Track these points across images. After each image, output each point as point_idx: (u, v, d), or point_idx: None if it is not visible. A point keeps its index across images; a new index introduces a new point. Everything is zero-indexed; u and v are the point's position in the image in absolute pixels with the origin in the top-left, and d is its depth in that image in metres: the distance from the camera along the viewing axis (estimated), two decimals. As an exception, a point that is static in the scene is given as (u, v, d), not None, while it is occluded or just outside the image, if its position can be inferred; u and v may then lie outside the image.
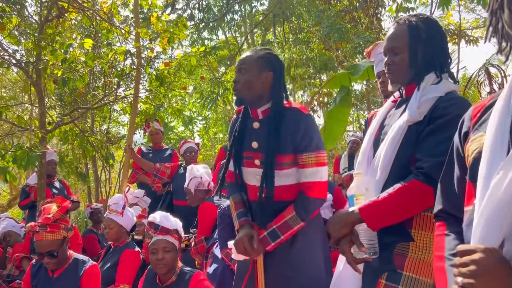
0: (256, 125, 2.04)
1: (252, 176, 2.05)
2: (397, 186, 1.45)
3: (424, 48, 1.58)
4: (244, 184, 2.10)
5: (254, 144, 2.03)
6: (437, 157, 1.40)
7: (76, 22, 4.99)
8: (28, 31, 4.54)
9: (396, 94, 1.71)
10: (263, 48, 2.10)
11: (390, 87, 1.66)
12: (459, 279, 0.86)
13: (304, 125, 1.94)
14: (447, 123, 1.45)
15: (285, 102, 2.04)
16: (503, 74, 4.71)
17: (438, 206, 1.18)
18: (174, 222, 2.53)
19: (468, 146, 1.06)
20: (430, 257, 1.43)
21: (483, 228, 0.90)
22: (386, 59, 1.65)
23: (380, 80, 2.17)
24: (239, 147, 2.07)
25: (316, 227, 2.05)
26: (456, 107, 1.47)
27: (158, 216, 2.51)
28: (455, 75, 1.67)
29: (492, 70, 4.81)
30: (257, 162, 2.03)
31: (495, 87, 4.60)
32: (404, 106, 1.60)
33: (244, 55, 2.05)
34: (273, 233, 1.96)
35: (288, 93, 3.26)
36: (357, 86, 11.00)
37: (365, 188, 1.55)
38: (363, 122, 2.92)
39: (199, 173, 3.48)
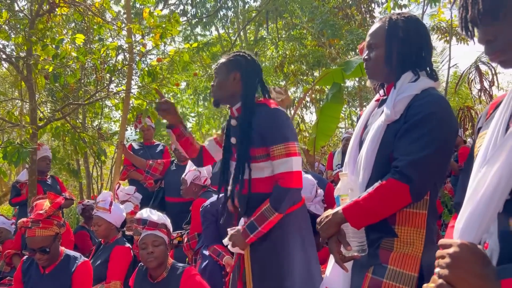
0: (233, 122, 2.20)
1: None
2: (376, 185, 1.48)
3: (400, 46, 1.57)
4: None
5: (233, 140, 2.19)
6: (411, 155, 1.43)
7: (67, 17, 4.94)
8: (19, 26, 4.49)
9: (381, 92, 1.72)
10: (235, 51, 2.27)
11: (368, 83, 1.69)
12: (437, 269, 0.92)
13: (271, 118, 2.06)
14: (420, 121, 1.46)
15: (262, 98, 2.19)
16: (493, 72, 4.75)
17: (456, 199, 1.22)
18: (162, 217, 2.56)
19: (477, 143, 1.10)
20: (414, 250, 1.48)
21: (464, 224, 0.95)
22: (365, 52, 1.66)
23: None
24: (228, 144, 2.23)
25: (294, 221, 2.12)
26: (429, 105, 1.47)
27: (145, 212, 2.55)
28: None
29: (483, 68, 4.86)
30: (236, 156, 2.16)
31: (486, 84, 4.65)
32: (384, 105, 1.62)
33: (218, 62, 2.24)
34: (251, 225, 2.07)
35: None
36: (350, 83, 11.04)
37: (350, 188, 1.58)
38: (355, 119, 2.94)
39: (194, 167, 3.53)
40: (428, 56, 1.60)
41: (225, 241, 2.16)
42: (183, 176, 3.60)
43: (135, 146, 4.83)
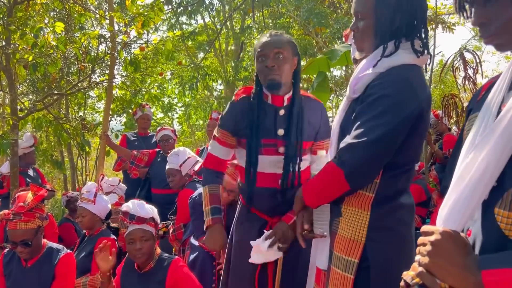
0: (282, 112, 2.01)
1: (271, 164, 2.01)
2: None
3: (392, 14, 1.39)
4: (254, 172, 2.03)
5: (280, 132, 1.99)
6: (353, 139, 1.35)
7: (47, 5, 4.82)
8: (-3, 14, 4.37)
9: None
10: (281, 33, 2.05)
11: (356, 54, 1.60)
12: (417, 257, 0.90)
13: (323, 114, 2.07)
14: (371, 103, 1.35)
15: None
16: (478, 60, 4.77)
17: (444, 183, 1.18)
18: (150, 210, 2.49)
19: (466, 126, 1.06)
20: (356, 235, 1.40)
21: (448, 210, 0.92)
22: (352, 22, 1.51)
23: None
24: (260, 136, 2.00)
25: None
26: (382, 87, 1.34)
27: (133, 205, 2.46)
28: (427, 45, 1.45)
29: (468, 56, 4.88)
30: (281, 149, 1.99)
31: (470, 72, 4.67)
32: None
33: (272, 39, 1.97)
34: None
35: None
36: (337, 72, 11.05)
37: (317, 169, 1.59)
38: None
39: (192, 154, 3.55)
40: (420, 23, 1.41)
41: (254, 243, 1.97)
42: (171, 167, 3.56)
43: (130, 137, 4.77)
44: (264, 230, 2.01)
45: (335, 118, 1.54)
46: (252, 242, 1.97)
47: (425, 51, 1.42)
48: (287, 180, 1.97)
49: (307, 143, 2.02)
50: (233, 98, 2.12)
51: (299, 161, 1.98)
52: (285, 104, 2.02)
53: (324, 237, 1.57)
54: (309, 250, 1.86)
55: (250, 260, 1.97)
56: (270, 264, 2.06)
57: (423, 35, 1.43)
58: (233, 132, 2.08)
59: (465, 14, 0.96)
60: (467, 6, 0.95)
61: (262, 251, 1.93)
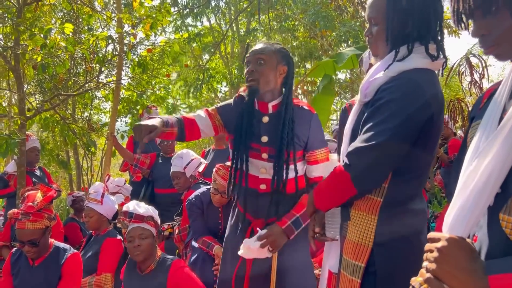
0: (265, 119, 2.06)
1: (256, 167, 2.09)
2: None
3: (404, 18, 1.38)
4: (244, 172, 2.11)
5: (264, 138, 2.05)
6: (360, 143, 1.35)
7: (55, 6, 4.86)
8: (6, 15, 4.41)
9: None
10: (275, 42, 2.13)
11: (372, 60, 1.59)
12: (425, 263, 0.91)
13: (314, 124, 2.04)
14: (379, 108, 1.34)
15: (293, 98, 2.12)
16: (484, 64, 4.76)
17: (449, 189, 1.18)
18: (148, 210, 2.52)
19: (469, 133, 1.07)
20: (364, 239, 1.41)
21: (453, 217, 0.93)
22: (367, 28, 1.50)
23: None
24: (248, 138, 2.06)
25: None
26: (391, 91, 1.33)
27: (131, 205, 2.51)
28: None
29: (474, 60, 4.87)
30: (264, 155, 2.06)
31: (476, 77, 4.67)
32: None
33: (259, 46, 2.06)
34: (297, 221, 2.04)
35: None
36: (342, 75, 11.06)
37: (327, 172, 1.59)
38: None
39: (195, 156, 3.56)
40: (435, 26, 1.39)
41: (247, 241, 2.01)
42: (176, 170, 3.57)
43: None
44: (258, 229, 2.06)
45: (348, 122, 1.54)
46: (245, 240, 2.03)
47: (441, 55, 1.41)
48: (273, 185, 2.03)
49: (292, 152, 2.03)
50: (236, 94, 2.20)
51: (286, 169, 2.02)
52: (270, 112, 2.06)
53: (335, 240, 1.58)
54: (303, 253, 1.99)
55: (239, 253, 2.02)
56: (248, 267, 2.10)
57: (438, 38, 1.41)
58: (224, 121, 2.14)
59: (463, 26, 0.97)
60: (464, 18, 0.96)
61: (252, 250, 1.98)
